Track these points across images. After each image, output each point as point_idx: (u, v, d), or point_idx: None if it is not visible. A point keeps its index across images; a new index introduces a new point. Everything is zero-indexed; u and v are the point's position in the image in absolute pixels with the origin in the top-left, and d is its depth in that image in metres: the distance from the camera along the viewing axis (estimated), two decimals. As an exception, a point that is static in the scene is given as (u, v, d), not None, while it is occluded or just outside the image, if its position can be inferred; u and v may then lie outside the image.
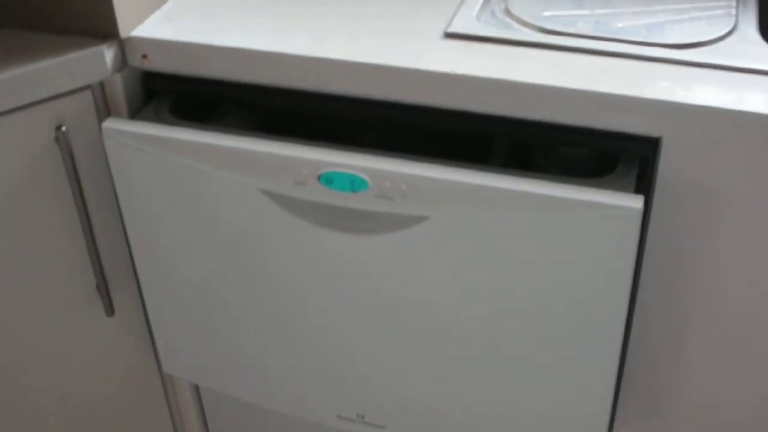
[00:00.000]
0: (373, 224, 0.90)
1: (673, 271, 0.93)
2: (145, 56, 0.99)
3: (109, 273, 1.09)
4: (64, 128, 0.98)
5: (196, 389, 1.27)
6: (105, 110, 1.01)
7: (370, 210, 0.89)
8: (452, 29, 0.94)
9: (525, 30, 0.96)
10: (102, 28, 0.97)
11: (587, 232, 0.85)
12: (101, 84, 0.99)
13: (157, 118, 1.01)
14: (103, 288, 1.10)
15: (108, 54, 0.97)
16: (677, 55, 0.90)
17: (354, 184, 0.88)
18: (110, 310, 1.11)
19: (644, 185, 0.89)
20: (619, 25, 0.96)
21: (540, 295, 0.90)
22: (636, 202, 0.83)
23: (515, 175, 0.86)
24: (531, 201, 0.85)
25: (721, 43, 0.92)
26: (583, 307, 0.90)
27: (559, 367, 0.95)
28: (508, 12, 1.00)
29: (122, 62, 0.99)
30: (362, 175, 0.88)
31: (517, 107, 0.88)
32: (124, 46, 0.98)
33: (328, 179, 0.89)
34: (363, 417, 1.07)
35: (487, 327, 0.94)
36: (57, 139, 0.98)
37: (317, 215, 0.92)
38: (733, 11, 0.98)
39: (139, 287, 1.12)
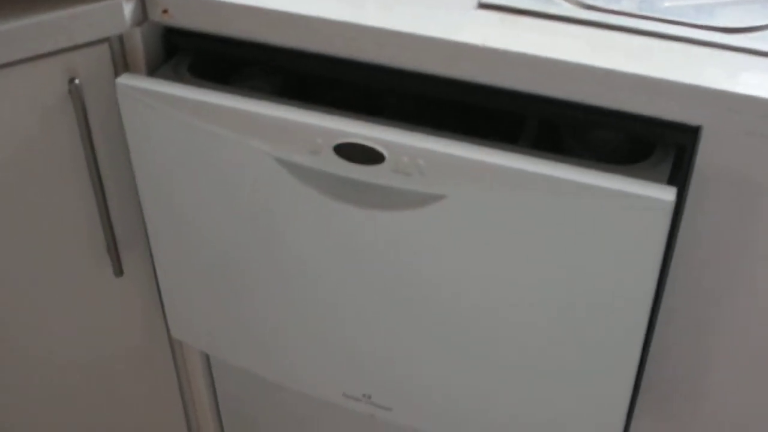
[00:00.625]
0: (388, 200, 0.86)
1: (703, 272, 0.87)
2: (165, 11, 0.95)
3: (120, 233, 1.07)
4: (77, 81, 0.94)
5: (206, 355, 1.24)
6: (122, 65, 0.97)
7: (385, 185, 0.85)
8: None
9: (565, 4, 0.90)
10: (122, -21, 0.93)
11: (612, 223, 0.80)
12: (120, 37, 0.96)
13: (176, 77, 0.97)
14: (113, 248, 1.07)
15: (127, 6, 0.93)
16: (726, 40, 0.84)
17: (371, 156, 0.84)
18: (119, 271, 1.08)
19: (679, 176, 0.83)
20: (666, 4, 0.90)
21: (557, 285, 0.85)
22: (667, 193, 0.77)
23: (539, 158, 0.81)
24: (553, 185, 0.80)
25: (774, 29, 0.86)
26: (602, 302, 0.85)
27: (574, 362, 0.90)
28: (547, -16, 0.94)
29: (142, 16, 0.95)
30: (379, 148, 0.84)
31: (551, 85, 0.82)
32: (144, -1, 0.95)
33: (342, 150, 0.85)
34: (369, 397, 1.03)
35: (501, 315, 0.89)
36: (70, 92, 0.94)
37: (330, 186, 0.88)
38: (791, -5, 0.91)
39: (149, 250, 1.09)
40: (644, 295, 0.83)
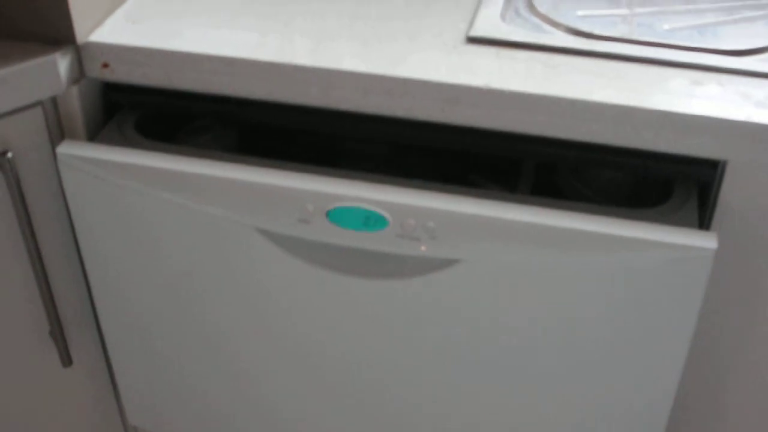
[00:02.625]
0: (394, 268, 0.76)
1: (734, 315, 0.81)
2: (106, 65, 0.83)
3: (65, 317, 0.94)
4: (10, 154, 0.81)
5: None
6: (59, 131, 0.85)
7: (391, 252, 0.75)
8: (476, 32, 0.80)
9: (558, 33, 0.82)
10: (54, 32, 0.80)
11: (648, 275, 0.73)
12: (54, 100, 0.83)
13: (122, 139, 0.85)
14: (59, 334, 0.93)
15: (62, 63, 0.81)
16: (738, 64, 0.78)
17: (369, 221, 0.74)
18: (67, 360, 0.95)
19: (705, 215, 0.77)
20: (666, 27, 0.83)
21: (588, 346, 0.77)
22: (709, 241, 0.70)
23: (563, 209, 0.73)
24: (583, 239, 0.72)
25: (784, 49, 0.81)
26: (635, 357, 0.78)
27: (603, 423, 0.82)
28: (533, 9, 0.86)
29: (79, 73, 0.83)
30: (380, 211, 0.74)
31: (564, 127, 0.75)
32: (81, 53, 0.82)
33: (337, 216, 0.75)
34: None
35: (527, 385, 0.81)
36: (2, 166, 0.81)
37: (325, 257, 0.78)
38: (789, 9, 0.86)
39: (100, 332, 0.96)
40: (681, 346, 0.76)
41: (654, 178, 0.81)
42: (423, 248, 0.74)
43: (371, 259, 0.76)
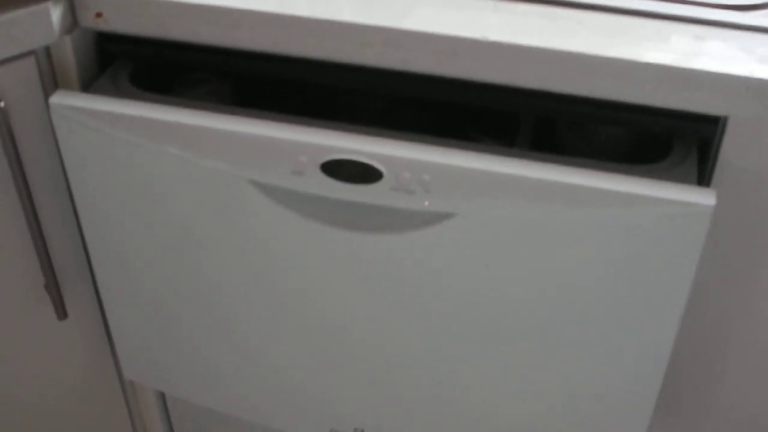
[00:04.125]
0: (388, 222, 0.76)
1: (731, 274, 0.80)
2: (99, 14, 0.82)
3: (60, 270, 0.93)
4: (2, 104, 0.80)
5: (162, 397, 1.12)
6: (52, 81, 0.84)
7: (385, 205, 0.74)
8: (475, -16, 0.79)
9: (559, -14, 0.81)
10: (46, -21, 0.79)
11: (644, 231, 0.72)
12: (47, 49, 0.82)
13: (116, 90, 0.84)
14: (54, 287, 0.93)
15: (54, 12, 0.79)
16: (742, 19, 0.77)
17: (365, 174, 0.73)
18: (62, 313, 0.95)
19: (705, 173, 0.76)
20: (669, -20, 0.81)
21: (583, 300, 0.77)
22: (707, 197, 0.69)
23: (557, 164, 0.72)
24: (578, 194, 0.71)
25: (789, 4, 0.79)
26: (631, 314, 0.77)
27: (598, 381, 0.82)
28: (534, -37, 0.84)
29: (72, 22, 0.82)
30: (375, 164, 0.73)
31: (561, 81, 0.73)
32: (73, 1, 0.81)
33: (332, 168, 0.74)
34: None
35: (519, 336, 0.80)
36: (-6, 116, 0.80)
37: (318, 210, 0.77)
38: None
39: (95, 285, 0.95)
40: (678, 301, 0.75)
41: (654, 134, 0.80)
42: (422, 202, 0.73)
43: (365, 212, 0.75)
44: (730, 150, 0.74)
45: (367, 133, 0.74)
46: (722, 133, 0.74)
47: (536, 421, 0.87)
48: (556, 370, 0.82)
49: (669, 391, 0.91)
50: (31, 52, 0.81)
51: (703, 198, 0.69)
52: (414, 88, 0.78)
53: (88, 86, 0.85)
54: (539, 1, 0.78)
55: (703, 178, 0.76)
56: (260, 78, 0.89)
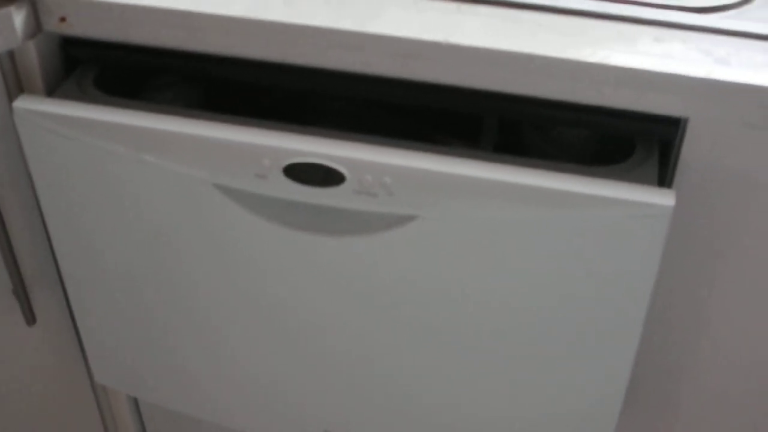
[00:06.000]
0: (352, 225, 0.76)
1: (692, 276, 0.81)
2: (63, 19, 0.82)
3: (28, 275, 0.93)
4: (-35, 109, 0.80)
5: (135, 401, 1.12)
6: (16, 86, 0.84)
7: (348, 208, 0.75)
8: (437, -14, 0.79)
9: (520, -12, 0.81)
10: (8, -16, 0.79)
11: (605, 232, 0.72)
12: (10, 54, 0.82)
13: (81, 94, 0.84)
14: (21, 292, 0.93)
15: (17, 17, 0.79)
16: (702, 21, 0.77)
17: (328, 177, 0.73)
18: (31, 318, 0.95)
19: (666, 174, 0.76)
20: (630, -17, 0.82)
21: (545, 304, 0.77)
22: (667, 198, 0.70)
23: (521, 165, 0.72)
24: (540, 196, 0.71)
25: (748, 6, 0.80)
26: (595, 315, 0.77)
27: (564, 384, 0.83)
28: (497, -34, 0.85)
29: (36, 27, 0.82)
30: (338, 167, 0.73)
31: (521, 83, 0.74)
32: (36, 6, 0.80)
33: (294, 171, 0.74)
34: (331, 434, 0.94)
35: (484, 337, 0.80)
36: (-43, 121, 0.80)
37: (281, 213, 0.77)
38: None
39: (64, 290, 0.95)
40: (640, 304, 0.76)
41: (615, 135, 0.80)
42: (384, 204, 0.73)
43: (329, 215, 0.76)
44: (691, 151, 0.75)
45: (330, 136, 0.74)
46: (683, 134, 0.75)
47: (502, 423, 0.87)
48: (519, 371, 0.82)
49: (636, 390, 0.92)
50: (-6, 57, 0.81)
51: (662, 199, 0.70)
52: (376, 91, 0.78)
53: (53, 91, 0.85)
54: (502, 4, 0.79)
55: (664, 179, 0.77)
56: (226, 81, 0.89)
